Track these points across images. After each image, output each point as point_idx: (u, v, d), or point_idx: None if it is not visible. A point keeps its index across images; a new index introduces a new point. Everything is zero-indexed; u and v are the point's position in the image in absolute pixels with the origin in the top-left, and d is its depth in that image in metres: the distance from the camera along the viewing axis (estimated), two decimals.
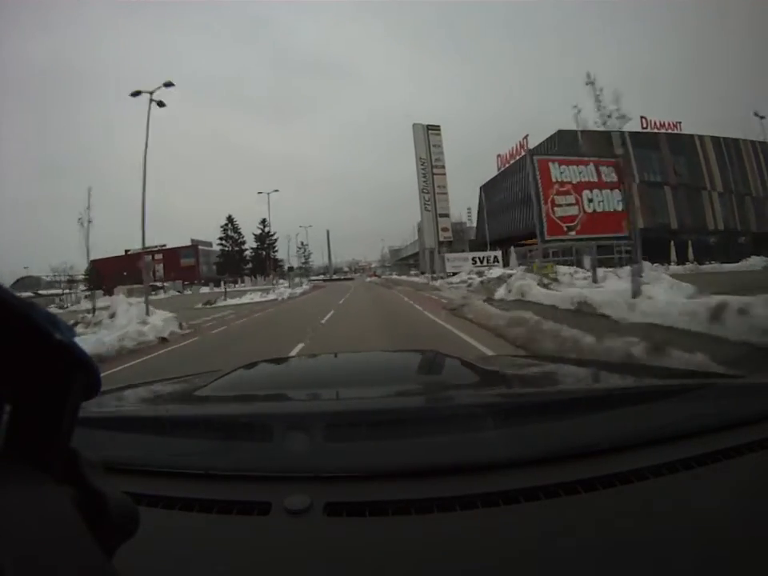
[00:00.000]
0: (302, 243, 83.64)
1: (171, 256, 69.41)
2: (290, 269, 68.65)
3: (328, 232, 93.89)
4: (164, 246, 67.98)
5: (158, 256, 64.70)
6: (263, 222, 64.41)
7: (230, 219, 66.71)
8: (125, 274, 46.59)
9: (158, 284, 54.84)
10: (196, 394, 1.21)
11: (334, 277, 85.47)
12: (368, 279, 56.70)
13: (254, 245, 67.23)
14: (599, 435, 0.77)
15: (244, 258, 67.48)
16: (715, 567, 0.53)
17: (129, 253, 58.80)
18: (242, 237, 67.29)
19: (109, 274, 51.23)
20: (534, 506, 0.62)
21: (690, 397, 0.92)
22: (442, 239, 43.10)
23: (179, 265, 70.02)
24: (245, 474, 0.73)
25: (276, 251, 66.85)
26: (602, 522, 0.60)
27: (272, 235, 67.61)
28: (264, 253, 65.91)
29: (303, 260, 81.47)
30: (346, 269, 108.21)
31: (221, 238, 66.34)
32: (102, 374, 0.35)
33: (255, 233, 67.10)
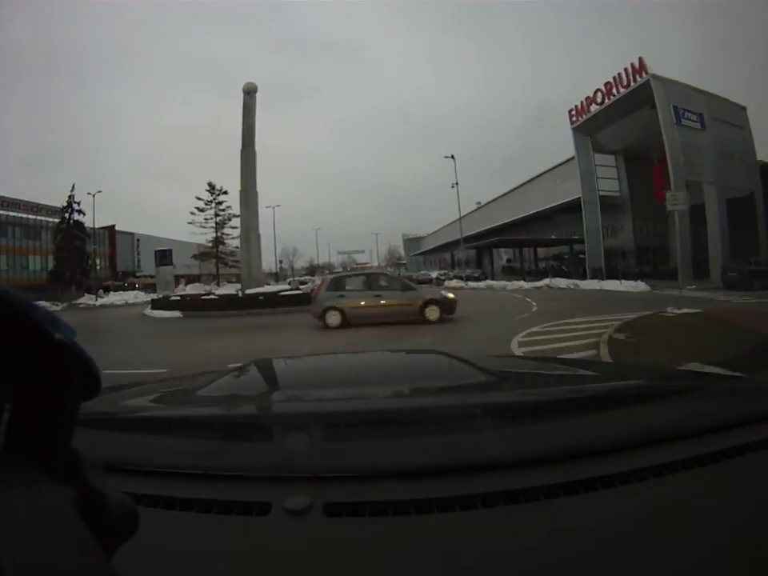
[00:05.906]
0: (212, 187, 36.64)
1: None
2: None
3: (253, 94, 18.35)
4: None
5: None
6: None
7: None
8: None
9: None
10: (196, 394, 1.21)
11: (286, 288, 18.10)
12: None
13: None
14: (599, 435, 0.77)
15: None
16: (715, 567, 0.53)
17: None
18: None
19: None
20: (533, 506, 0.62)
21: (690, 397, 0.92)
22: None
23: None
24: (244, 474, 0.72)
25: None
26: (602, 522, 0.60)
27: None
28: None
29: (216, 231, 37.01)
30: (338, 269, 65.28)
31: None
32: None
33: None
